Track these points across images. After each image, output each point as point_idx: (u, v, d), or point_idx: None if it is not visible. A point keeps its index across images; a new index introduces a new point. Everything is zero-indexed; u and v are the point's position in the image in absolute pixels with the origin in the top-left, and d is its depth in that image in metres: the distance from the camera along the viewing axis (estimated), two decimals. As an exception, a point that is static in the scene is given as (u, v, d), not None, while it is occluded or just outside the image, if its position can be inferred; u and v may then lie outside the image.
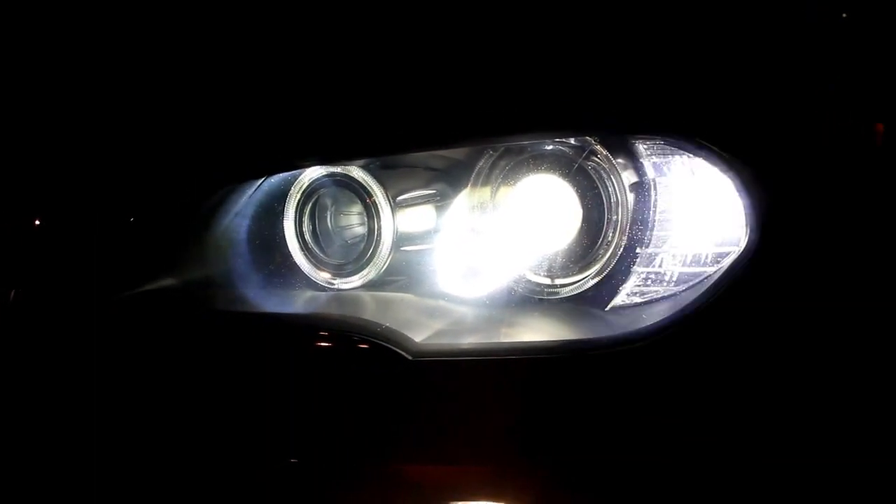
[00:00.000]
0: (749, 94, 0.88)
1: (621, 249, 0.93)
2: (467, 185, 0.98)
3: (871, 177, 0.89)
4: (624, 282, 0.93)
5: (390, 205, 0.98)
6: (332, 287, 1.02)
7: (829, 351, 0.86)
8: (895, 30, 0.93)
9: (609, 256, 0.94)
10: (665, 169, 0.90)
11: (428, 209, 1.00)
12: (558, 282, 0.97)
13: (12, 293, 0.94)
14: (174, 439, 0.92)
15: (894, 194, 0.88)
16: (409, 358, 0.86)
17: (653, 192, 0.91)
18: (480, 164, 0.97)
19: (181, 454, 0.92)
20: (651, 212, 0.91)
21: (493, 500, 0.87)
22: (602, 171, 0.94)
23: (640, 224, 0.92)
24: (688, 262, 0.90)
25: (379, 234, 0.99)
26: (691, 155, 0.86)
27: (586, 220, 0.95)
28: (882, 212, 0.88)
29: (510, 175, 0.96)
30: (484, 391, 0.87)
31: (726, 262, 0.86)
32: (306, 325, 0.93)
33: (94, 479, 0.94)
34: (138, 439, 0.93)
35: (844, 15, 0.93)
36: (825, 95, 0.90)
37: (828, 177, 0.87)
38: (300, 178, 1.00)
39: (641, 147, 0.91)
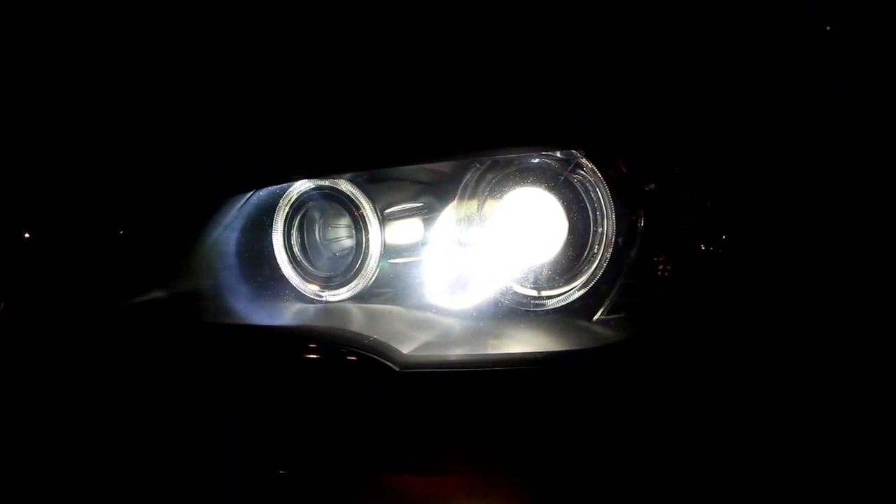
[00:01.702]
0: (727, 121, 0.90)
1: (607, 261, 0.94)
2: (454, 197, 0.98)
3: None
4: (609, 293, 0.94)
5: (378, 217, 0.99)
6: (321, 299, 1.03)
7: (813, 344, 0.88)
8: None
9: (595, 268, 0.94)
10: (649, 182, 0.91)
11: (415, 222, 1.00)
12: (545, 294, 0.97)
13: (1, 305, 0.94)
14: (163, 451, 0.92)
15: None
16: (397, 370, 0.87)
17: (638, 205, 0.92)
18: (467, 177, 0.98)
19: (169, 464, 0.92)
20: (637, 224, 0.92)
21: (481, 511, 0.88)
22: (588, 184, 0.95)
23: (625, 236, 0.93)
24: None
25: (367, 247, 0.99)
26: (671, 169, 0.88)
27: (572, 232, 0.95)
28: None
29: (497, 188, 0.97)
30: (471, 402, 0.88)
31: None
32: (294, 338, 0.93)
33: (86, 488, 0.94)
34: (127, 450, 0.93)
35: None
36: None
37: (789, 189, 0.89)
38: (289, 191, 1.01)
39: (627, 161, 0.92)
